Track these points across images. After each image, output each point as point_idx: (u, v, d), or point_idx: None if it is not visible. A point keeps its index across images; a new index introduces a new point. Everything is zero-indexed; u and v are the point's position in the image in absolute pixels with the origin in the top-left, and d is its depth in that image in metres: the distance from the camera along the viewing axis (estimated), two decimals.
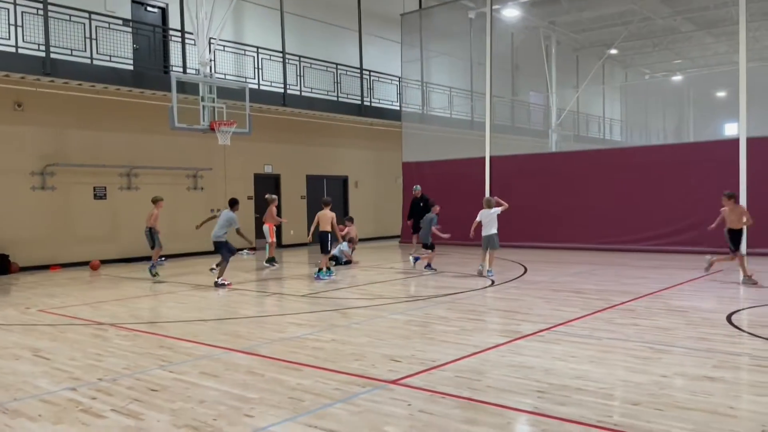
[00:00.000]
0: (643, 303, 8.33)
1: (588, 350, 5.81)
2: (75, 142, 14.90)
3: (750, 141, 14.26)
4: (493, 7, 19.14)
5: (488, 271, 11.54)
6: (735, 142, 14.57)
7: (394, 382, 4.92)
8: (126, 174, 15.75)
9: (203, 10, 13.67)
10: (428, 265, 12.65)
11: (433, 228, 12.63)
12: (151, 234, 12.53)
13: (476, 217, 11.79)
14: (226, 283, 10.88)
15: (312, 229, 12.22)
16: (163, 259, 15.67)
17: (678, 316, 7.38)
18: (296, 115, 19.17)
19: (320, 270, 11.63)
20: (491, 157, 18.62)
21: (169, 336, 6.89)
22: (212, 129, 13.65)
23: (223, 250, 11.01)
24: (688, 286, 9.89)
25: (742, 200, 14.23)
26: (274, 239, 14.56)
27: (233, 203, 11.56)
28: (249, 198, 18.63)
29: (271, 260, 14.22)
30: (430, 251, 12.75)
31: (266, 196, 15.11)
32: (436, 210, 13.00)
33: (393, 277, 11.90)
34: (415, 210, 16.56)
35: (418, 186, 16.82)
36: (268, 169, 19.12)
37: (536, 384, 4.78)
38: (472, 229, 11.73)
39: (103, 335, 7.04)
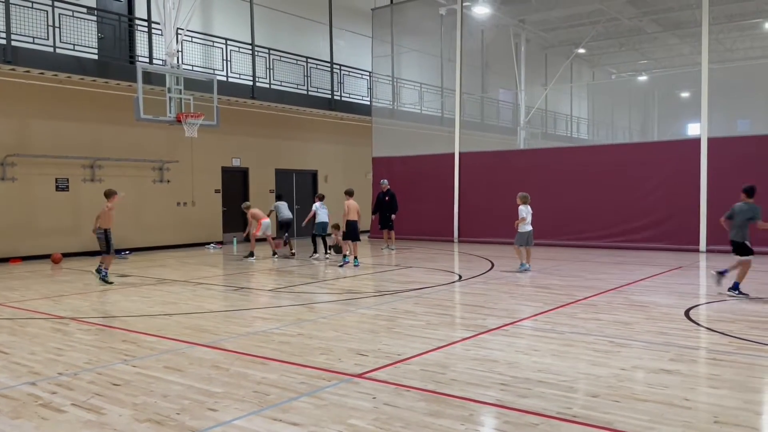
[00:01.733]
0: (605, 298, 8.50)
1: (551, 344, 5.92)
2: (37, 132, 14.54)
3: (711, 141, 14.64)
4: (464, 4, 19.28)
5: (527, 265, 11.33)
6: (697, 141, 14.95)
7: (359, 375, 4.94)
8: (89, 166, 15.43)
9: (170, 0, 13.45)
10: (736, 287, 8.36)
11: (759, 223, 8.29)
12: (107, 236, 10.41)
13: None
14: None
15: (343, 218, 12.80)
16: (127, 252, 15.44)
17: (638, 311, 7.56)
18: (265, 108, 19.02)
19: (345, 256, 12.68)
20: (460, 153, 18.76)
21: (133, 330, 6.80)
22: (179, 121, 13.44)
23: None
24: (649, 281, 10.12)
25: (702, 199, 14.64)
26: (264, 233, 14.64)
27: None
28: (216, 191, 18.45)
29: (252, 254, 14.35)
30: (745, 257, 8.37)
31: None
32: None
33: (362, 272, 11.92)
34: (381, 204, 16.60)
35: (386, 180, 16.86)
36: (236, 163, 18.94)
37: (499, 377, 4.86)
38: (518, 223, 11.34)
39: (64, 329, 6.91)
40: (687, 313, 7.34)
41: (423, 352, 5.66)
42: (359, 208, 12.79)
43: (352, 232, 12.59)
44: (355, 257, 12.64)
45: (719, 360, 5.35)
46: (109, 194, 10.58)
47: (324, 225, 14.03)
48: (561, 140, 27.92)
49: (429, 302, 8.35)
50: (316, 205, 14.15)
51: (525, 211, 11.31)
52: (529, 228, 11.33)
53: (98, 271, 10.40)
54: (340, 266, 12.43)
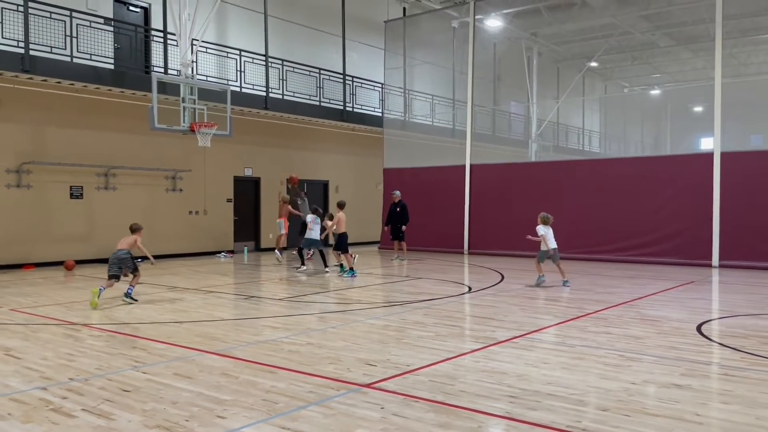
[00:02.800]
0: (615, 312, 8.45)
1: (560, 357, 5.89)
2: (52, 140, 14.72)
3: (724, 155, 14.56)
4: (477, 17, 19.36)
5: (543, 277, 11.26)
6: (710, 155, 14.87)
7: (368, 385, 4.94)
8: (104, 174, 15.59)
9: (186, 12, 13.62)
10: None
11: None
12: (133, 257, 9.71)
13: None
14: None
15: (331, 231, 13.18)
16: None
17: (649, 325, 7.50)
18: (278, 118, 19.15)
19: (352, 269, 12.71)
20: (471, 165, 18.77)
21: (143, 337, 6.84)
22: (192, 130, 13.58)
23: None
24: (661, 296, 10.05)
25: (714, 214, 14.55)
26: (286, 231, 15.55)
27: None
28: (228, 201, 18.55)
29: (281, 250, 15.31)
30: None
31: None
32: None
33: (371, 282, 11.92)
34: (393, 215, 16.61)
35: (398, 191, 16.88)
36: (248, 172, 19.06)
37: (509, 389, 4.84)
38: (534, 238, 11.29)
39: (75, 335, 6.97)
40: (699, 328, 7.28)
41: (432, 363, 5.65)
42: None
43: (342, 244, 12.86)
44: (351, 269, 12.70)
45: (731, 376, 5.30)
46: (137, 228, 9.86)
47: (310, 241, 13.47)
48: (573, 153, 27.85)
49: (438, 313, 8.34)
50: (309, 218, 13.46)
51: (542, 230, 11.24)
52: (552, 246, 11.21)
53: (127, 294, 9.37)
54: (340, 276, 12.55)
